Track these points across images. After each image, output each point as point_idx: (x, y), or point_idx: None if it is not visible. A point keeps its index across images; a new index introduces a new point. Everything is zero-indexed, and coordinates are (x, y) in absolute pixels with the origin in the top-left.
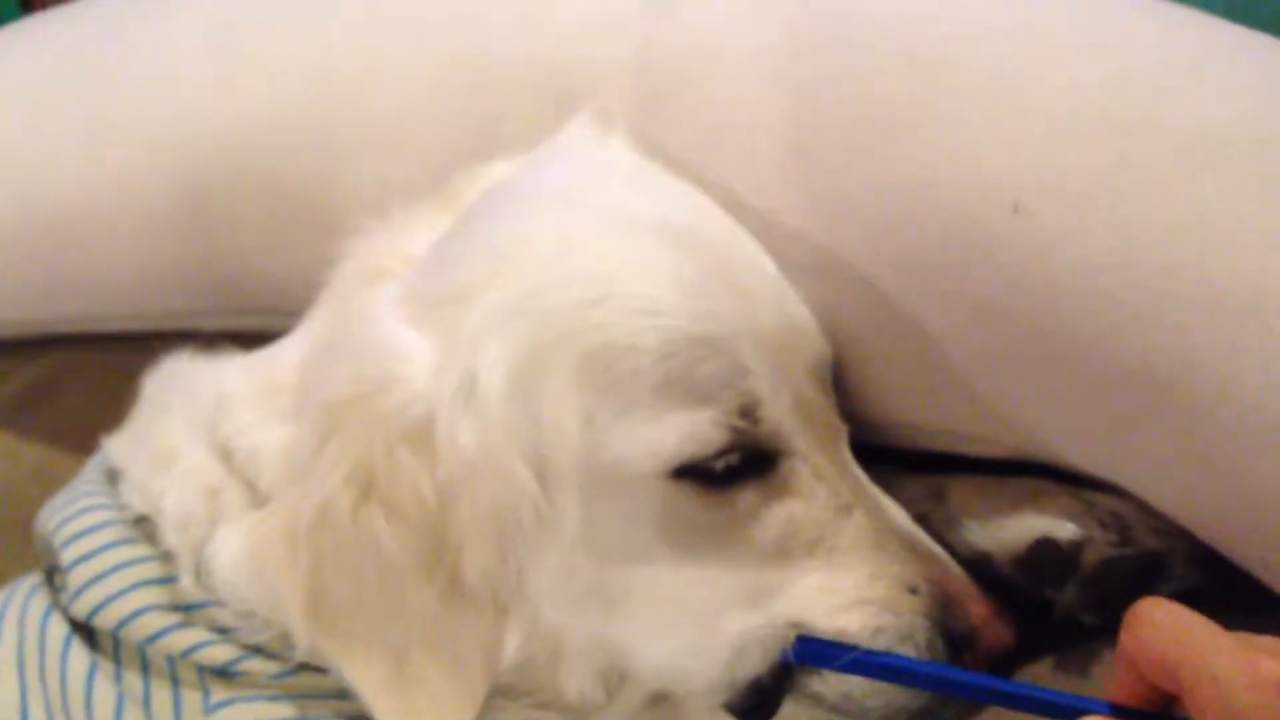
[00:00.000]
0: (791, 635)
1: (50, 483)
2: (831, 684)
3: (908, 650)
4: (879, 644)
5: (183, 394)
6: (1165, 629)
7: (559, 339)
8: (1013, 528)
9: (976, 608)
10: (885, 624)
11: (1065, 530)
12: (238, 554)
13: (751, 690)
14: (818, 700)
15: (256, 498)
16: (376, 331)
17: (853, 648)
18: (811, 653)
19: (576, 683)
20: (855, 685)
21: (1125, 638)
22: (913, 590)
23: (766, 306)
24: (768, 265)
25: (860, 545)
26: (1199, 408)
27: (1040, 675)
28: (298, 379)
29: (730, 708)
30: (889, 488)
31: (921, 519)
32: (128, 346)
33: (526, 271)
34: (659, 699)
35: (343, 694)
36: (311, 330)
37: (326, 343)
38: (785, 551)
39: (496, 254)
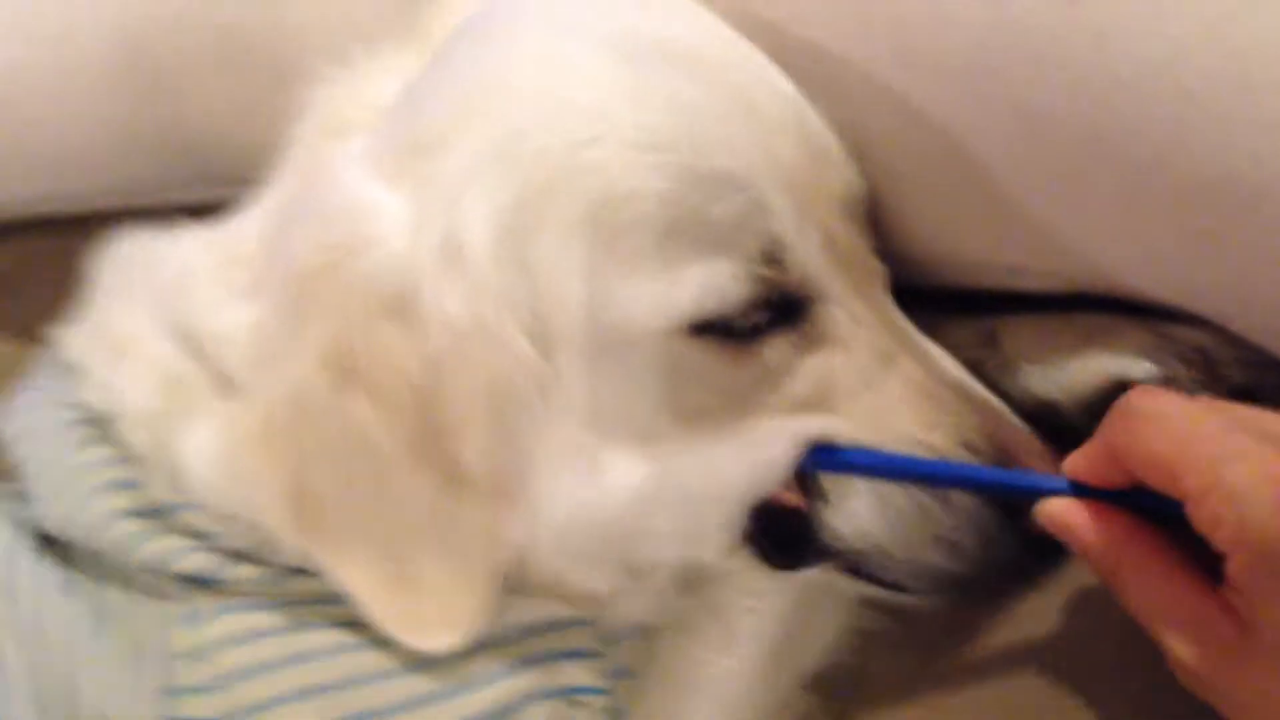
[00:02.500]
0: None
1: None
2: (851, 527)
3: (962, 522)
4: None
5: (138, 275)
6: (1168, 425)
7: (550, 186)
8: (1079, 370)
9: (1040, 464)
10: None
11: (1141, 369)
12: (211, 452)
13: (767, 520)
14: (839, 548)
15: (225, 386)
16: (343, 190)
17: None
18: (826, 457)
19: (582, 574)
20: (875, 529)
21: (1116, 431)
22: (969, 447)
23: (786, 134)
24: (784, 86)
25: (910, 396)
26: None
27: None
28: (260, 250)
29: (753, 544)
30: (934, 334)
31: (973, 367)
32: (94, 232)
33: (508, 110)
34: (684, 586)
35: (338, 599)
36: (273, 195)
37: (288, 207)
38: (823, 400)
39: (473, 93)
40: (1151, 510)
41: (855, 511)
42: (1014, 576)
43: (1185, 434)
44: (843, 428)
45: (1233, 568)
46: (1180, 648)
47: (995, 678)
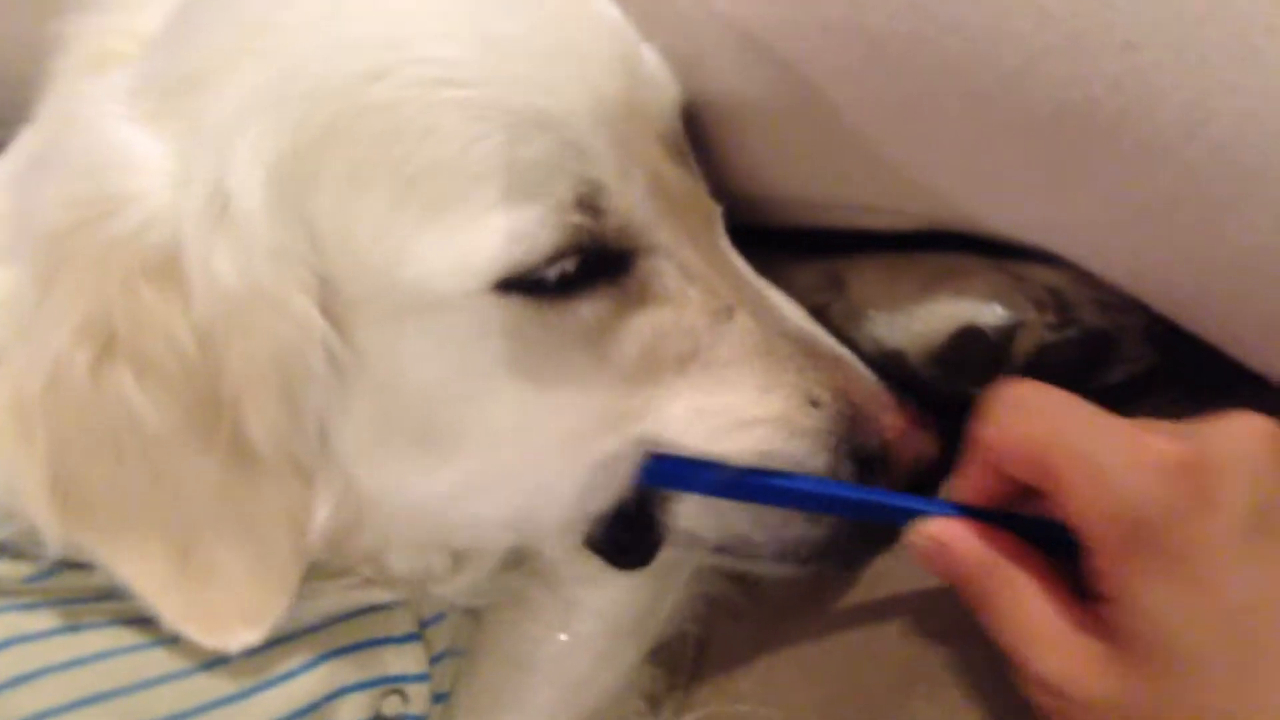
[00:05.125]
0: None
1: None
2: (704, 520)
3: None
4: None
5: None
6: (1032, 410)
7: (330, 128)
8: (927, 317)
9: (889, 418)
10: (774, 449)
11: (992, 314)
12: None
13: (613, 524)
14: (696, 542)
15: None
16: (96, 135)
17: (704, 462)
18: (662, 472)
19: (402, 554)
20: (734, 519)
21: (983, 423)
22: (814, 403)
23: (608, 68)
24: (610, 16)
25: (745, 355)
26: (1157, 146)
27: None
28: (10, 205)
29: (596, 549)
30: (777, 277)
31: (818, 313)
32: None
33: (284, 41)
34: (515, 561)
35: (120, 594)
36: (28, 139)
37: (40, 155)
38: (651, 371)
39: (245, 22)
40: (1029, 530)
41: (707, 508)
42: (871, 536)
43: (1053, 417)
44: (674, 424)
45: (1096, 544)
46: (1046, 663)
47: (835, 645)
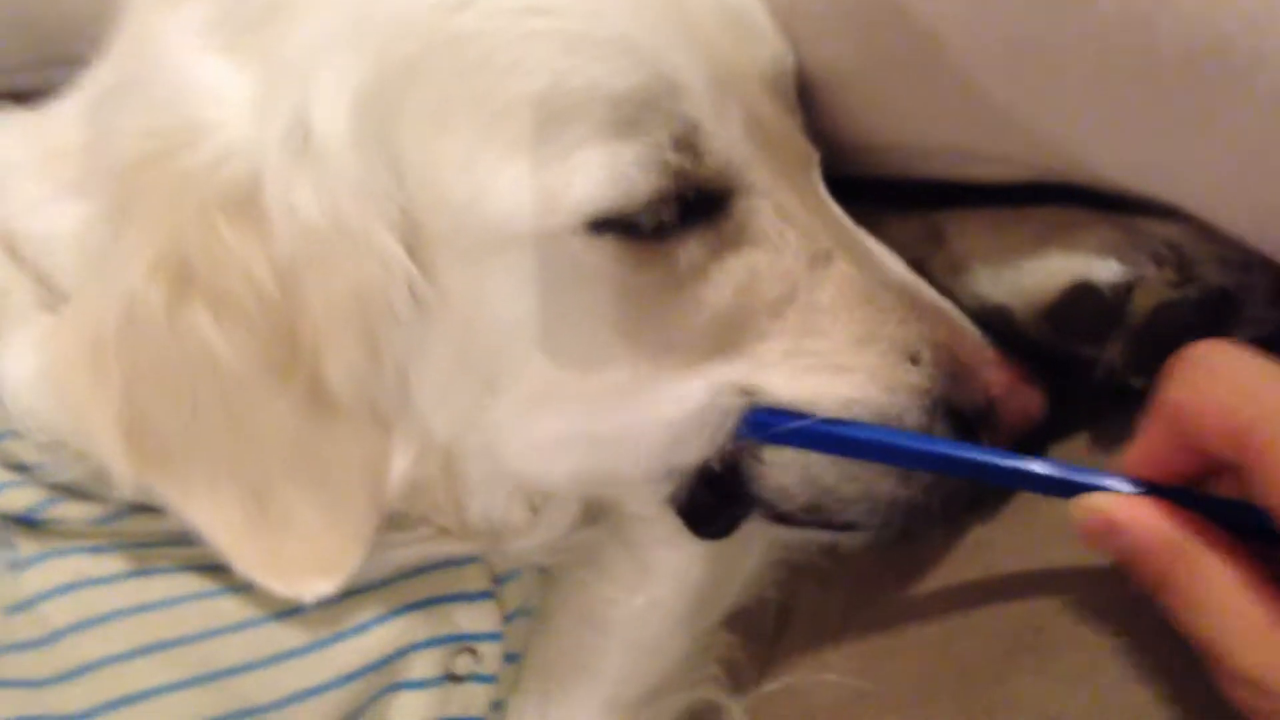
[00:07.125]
0: (743, 405)
1: None
2: (793, 473)
3: None
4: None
5: None
6: (1234, 374)
7: (416, 58)
8: (1037, 271)
9: (995, 375)
10: (864, 396)
11: (1107, 270)
12: (33, 371)
13: (698, 485)
14: (783, 503)
15: (53, 296)
16: (174, 67)
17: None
18: (763, 423)
19: (482, 504)
20: (825, 471)
21: (1175, 389)
22: (914, 359)
23: (703, 2)
24: None
25: (846, 302)
26: None
27: (1075, 454)
28: (85, 138)
29: (680, 511)
30: (874, 230)
31: (916, 267)
32: None
33: None
34: (593, 515)
35: (190, 539)
36: (102, 74)
37: (116, 88)
38: (746, 316)
39: None
40: (1215, 510)
41: (798, 460)
42: (963, 500)
43: (1254, 384)
44: (765, 366)
45: None
46: (1248, 658)
47: (931, 615)
